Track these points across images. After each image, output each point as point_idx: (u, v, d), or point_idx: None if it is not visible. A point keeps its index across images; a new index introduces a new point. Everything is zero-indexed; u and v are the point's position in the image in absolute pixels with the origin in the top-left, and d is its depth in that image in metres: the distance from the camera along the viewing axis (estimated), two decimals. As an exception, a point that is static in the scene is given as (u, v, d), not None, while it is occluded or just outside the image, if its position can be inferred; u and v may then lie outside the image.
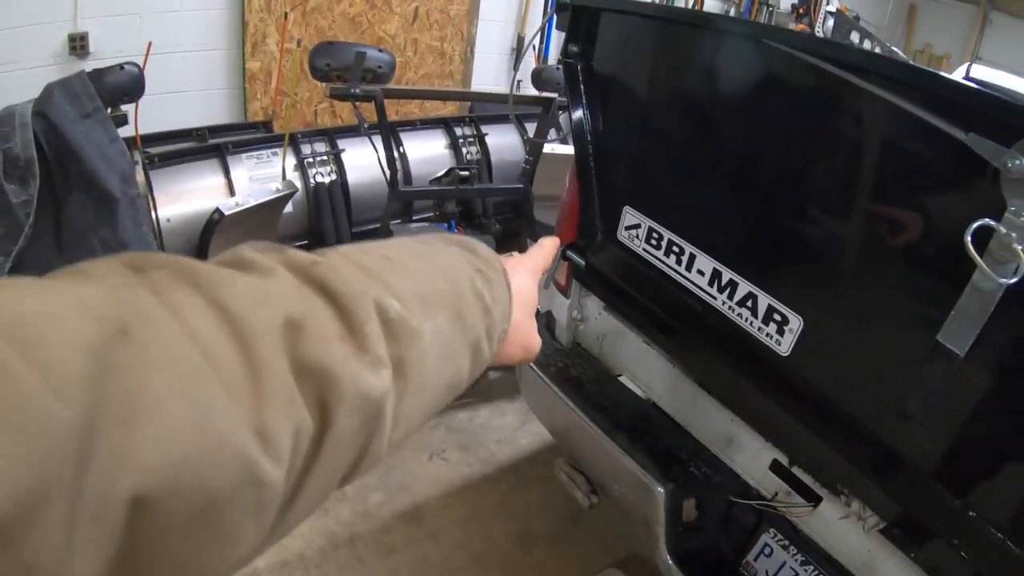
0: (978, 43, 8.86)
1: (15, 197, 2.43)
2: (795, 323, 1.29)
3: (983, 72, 4.62)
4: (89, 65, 2.93)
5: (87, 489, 0.29)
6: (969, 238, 0.91)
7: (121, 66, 2.82)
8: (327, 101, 4.33)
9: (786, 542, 1.60)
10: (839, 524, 1.44)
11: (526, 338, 0.76)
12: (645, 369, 1.86)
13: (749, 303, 1.35)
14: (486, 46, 4.89)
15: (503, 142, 4.08)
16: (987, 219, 0.91)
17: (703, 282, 1.42)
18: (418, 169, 3.76)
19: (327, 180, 3.60)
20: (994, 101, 0.96)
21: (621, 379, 2.04)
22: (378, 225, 3.39)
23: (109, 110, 2.68)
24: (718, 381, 1.61)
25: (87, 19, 3.43)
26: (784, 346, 1.32)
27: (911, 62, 4.20)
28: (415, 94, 4.19)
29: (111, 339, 0.31)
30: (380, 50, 3.08)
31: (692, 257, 1.44)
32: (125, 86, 2.81)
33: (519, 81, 4.66)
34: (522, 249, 0.81)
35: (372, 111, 3.04)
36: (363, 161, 3.62)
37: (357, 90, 2.92)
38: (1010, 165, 0.88)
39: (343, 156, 3.64)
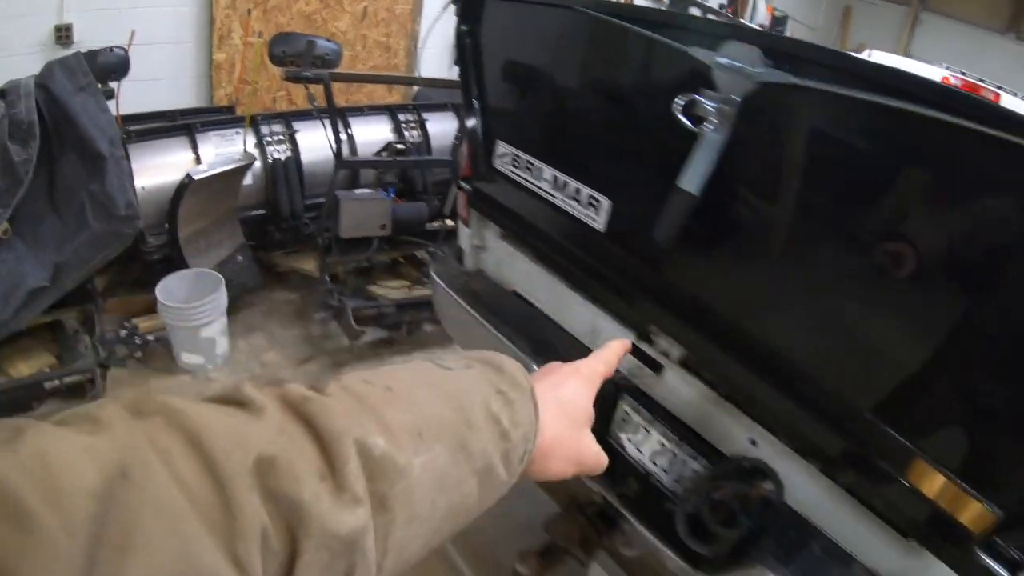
0: (909, 42, 9.48)
1: (17, 156, 2.91)
2: (605, 203, 1.82)
3: (880, 56, 5.17)
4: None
5: None
6: (678, 106, 1.41)
7: (111, 48, 3.34)
8: (284, 89, 4.82)
9: (639, 406, 1.91)
10: (678, 387, 1.80)
11: (574, 452, 0.76)
12: (530, 282, 2.33)
13: (576, 194, 1.89)
14: (430, 41, 5.38)
15: (442, 128, 4.60)
16: (692, 94, 1.42)
17: (548, 187, 1.96)
18: (364, 150, 4.26)
19: (283, 157, 4.10)
20: (706, 24, 1.51)
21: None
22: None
23: (100, 85, 3.19)
24: (570, 270, 2.12)
25: (71, 12, 3.91)
26: (600, 223, 1.85)
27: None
28: (356, 78, 4.69)
29: (113, 482, 0.39)
30: (328, 40, 3.62)
31: (540, 169, 1.98)
32: (114, 65, 3.33)
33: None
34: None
35: (323, 95, 3.57)
36: (316, 142, 4.13)
37: (308, 73, 3.45)
38: (715, 62, 1.36)
39: (297, 136, 4.15)
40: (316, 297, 4.11)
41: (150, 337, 3.56)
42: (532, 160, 2.01)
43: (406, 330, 3.96)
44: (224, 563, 0.41)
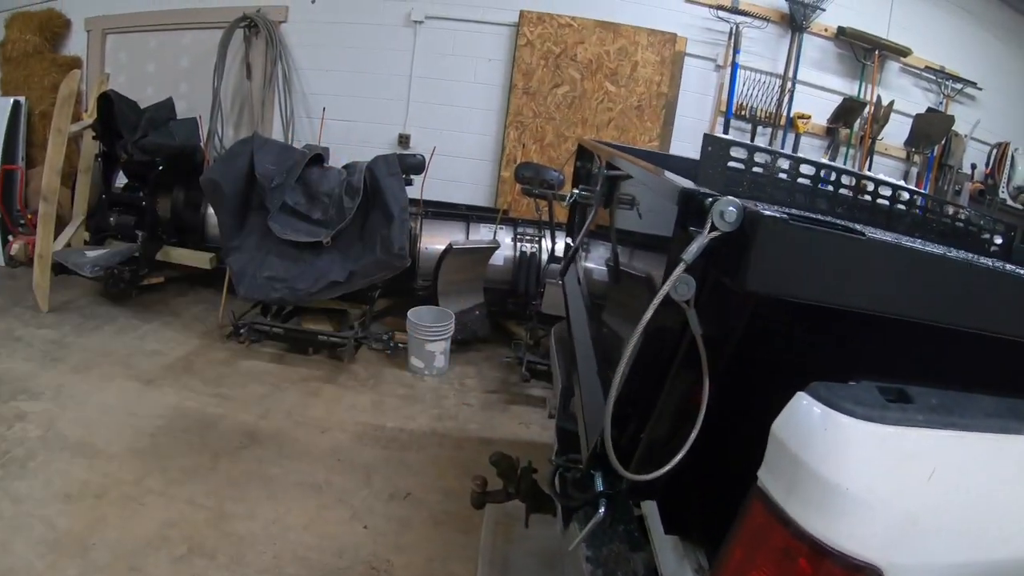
0: None
1: (347, 204, 5.30)
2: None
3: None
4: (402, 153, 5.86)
5: None
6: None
7: (415, 155, 5.73)
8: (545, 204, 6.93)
9: None
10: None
11: None
12: None
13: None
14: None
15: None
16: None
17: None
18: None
19: (528, 251, 6.16)
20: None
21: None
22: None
23: (404, 175, 5.50)
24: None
25: (411, 127, 6.70)
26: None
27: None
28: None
29: None
30: (555, 170, 5.66)
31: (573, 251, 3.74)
32: (414, 165, 5.70)
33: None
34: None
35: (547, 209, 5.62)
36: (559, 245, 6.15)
37: (535, 191, 5.50)
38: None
39: (544, 240, 6.19)
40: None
41: (400, 344, 5.68)
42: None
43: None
44: None
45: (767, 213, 1.11)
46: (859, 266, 1.18)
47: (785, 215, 1.14)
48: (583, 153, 3.81)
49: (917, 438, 1.08)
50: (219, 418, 4.31)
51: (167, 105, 6.31)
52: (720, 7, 6.86)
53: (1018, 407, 1.23)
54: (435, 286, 5.82)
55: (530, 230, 6.27)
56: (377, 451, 4.26)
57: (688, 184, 1.32)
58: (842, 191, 3.00)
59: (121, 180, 6.31)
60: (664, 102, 7.03)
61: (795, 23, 7.00)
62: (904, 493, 1.07)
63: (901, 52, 7.37)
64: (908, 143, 7.64)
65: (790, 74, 7.13)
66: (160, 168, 6.01)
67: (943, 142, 7.70)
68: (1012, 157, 7.81)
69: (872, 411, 1.06)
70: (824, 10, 6.94)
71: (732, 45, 6.95)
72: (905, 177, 7.74)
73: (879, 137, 7.51)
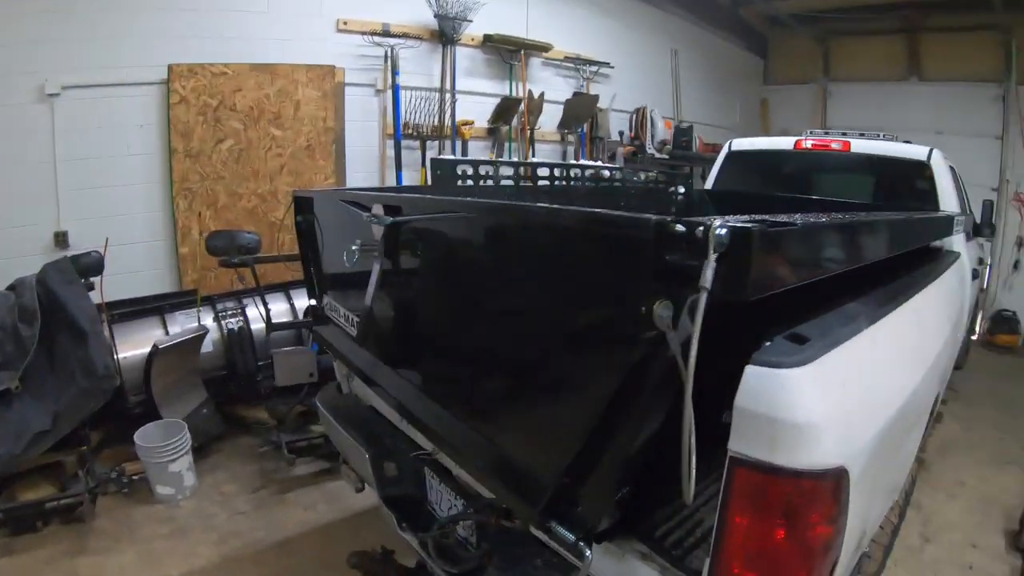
0: (825, 115, 11.47)
1: (25, 332, 4.46)
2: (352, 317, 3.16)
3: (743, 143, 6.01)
4: (69, 254, 5.01)
5: None
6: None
7: (89, 253, 4.95)
8: (241, 272, 6.34)
9: (437, 477, 2.62)
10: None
11: None
12: (371, 396, 3.29)
13: (346, 317, 3.25)
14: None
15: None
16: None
17: (338, 316, 3.31)
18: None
19: (236, 327, 5.61)
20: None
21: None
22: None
23: (83, 280, 4.74)
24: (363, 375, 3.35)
25: (66, 221, 5.66)
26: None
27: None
28: (274, 259, 5.81)
29: None
30: (250, 232, 5.20)
31: (345, 313, 3.35)
32: (92, 265, 4.92)
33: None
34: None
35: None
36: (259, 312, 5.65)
37: (235, 260, 5.00)
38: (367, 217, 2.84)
39: (247, 310, 5.68)
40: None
41: (135, 477, 4.83)
42: (337, 305, 3.41)
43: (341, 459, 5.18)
44: None
45: (753, 228, 1.33)
46: (810, 246, 1.67)
47: (761, 226, 1.36)
48: (302, 205, 3.58)
49: (827, 361, 1.48)
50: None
51: None
52: (372, 33, 6.83)
53: (852, 309, 1.89)
54: (151, 397, 5.10)
55: (230, 304, 5.74)
56: (177, 610, 3.63)
57: (658, 216, 1.43)
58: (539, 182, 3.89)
59: None
60: (333, 137, 6.79)
61: (446, 38, 7.24)
62: (839, 405, 1.48)
63: (543, 48, 8.11)
64: (561, 126, 8.44)
65: (447, 86, 7.34)
66: None
67: (591, 119, 8.68)
68: (651, 118, 9.09)
69: (797, 357, 1.43)
70: (471, 22, 7.29)
71: (390, 68, 6.94)
72: (564, 156, 8.66)
73: (536, 127, 8.12)
